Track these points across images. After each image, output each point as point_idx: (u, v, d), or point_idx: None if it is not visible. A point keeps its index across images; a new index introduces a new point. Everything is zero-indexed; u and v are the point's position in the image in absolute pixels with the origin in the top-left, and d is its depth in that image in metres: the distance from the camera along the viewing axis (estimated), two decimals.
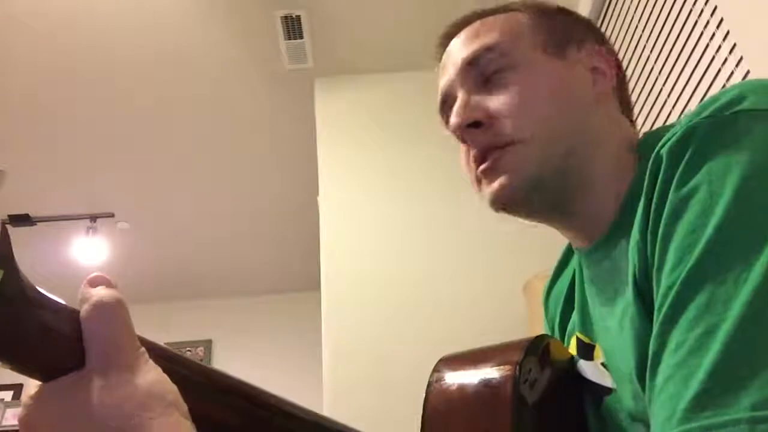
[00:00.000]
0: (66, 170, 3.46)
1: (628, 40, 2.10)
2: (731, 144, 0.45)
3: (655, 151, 0.49)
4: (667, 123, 1.87)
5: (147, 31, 2.73)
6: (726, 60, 1.55)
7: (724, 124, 0.47)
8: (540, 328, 0.83)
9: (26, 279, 0.35)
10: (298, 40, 2.75)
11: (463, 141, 0.65)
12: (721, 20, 1.57)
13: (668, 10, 1.84)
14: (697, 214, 0.44)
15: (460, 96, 0.65)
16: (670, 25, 1.83)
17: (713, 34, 1.61)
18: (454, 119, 0.63)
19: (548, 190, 0.62)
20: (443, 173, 2.62)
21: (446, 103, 0.69)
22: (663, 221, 0.47)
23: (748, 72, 1.46)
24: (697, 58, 1.68)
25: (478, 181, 0.65)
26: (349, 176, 2.70)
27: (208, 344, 4.60)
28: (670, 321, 0.43)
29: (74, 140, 3.27)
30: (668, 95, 1.85)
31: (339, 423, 0.55)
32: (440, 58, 0.71)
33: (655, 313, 0.46)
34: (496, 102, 0.63)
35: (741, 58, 1.49)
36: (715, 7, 1.59)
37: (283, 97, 3.07)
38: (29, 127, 3.15)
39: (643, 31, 2.01)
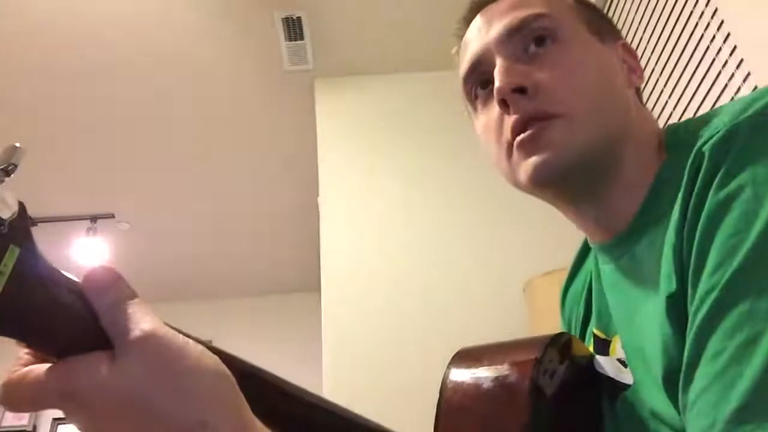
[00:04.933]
0: (66, 170, 3.46)
1: (629, 42, 2.11)
2: None
3: (696, 147, 0.48)
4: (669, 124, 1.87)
5: (148, 32, 2.73)
6: (726, 62, 1.55)
7: None
8: (540, 329, 0.83)
9: (43, 257, 0.35)
10: (299, 41, 2.75)
11: (504, 105, 0.60)
12: (722, 22, 1.57)
13: (669, 12, 1.84)
14: (740, 217, 0.43)
15: (500, 62, 0.61)
16: (671, 27, 1.83)
17: (714, 36, 1.61)
18: (499, 82, 0.59)
19: (588, 171, 0.59)
20: (443, 173, 2.62)
21: (477, 69, 0.65)
22: (702, 222, 0.45)
23: (748, 74, 1.46)
24: (698, 60, 1.68)
25: (509, 152, 0.61)
26: (349, 176, 2.70)
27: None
28: (708, 327, 0.42)
29: (75, 140, 3.27)
30: (669, 96, 1.85)
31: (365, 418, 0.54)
32: (466, 27, 0.68)
33: (691, 316, 0.44)
34: (544, 74, 0.60)
35: (742, 60, 1.49)
36: (716, 9, 1.59)
37: (283, 97, 3.07)
38: (29, 128, 3.15)
39: (644, 33, 2.01)
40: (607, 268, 0.65)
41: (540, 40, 0.61)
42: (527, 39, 0.62)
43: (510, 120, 0.60)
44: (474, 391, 0.55)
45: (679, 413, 0.48)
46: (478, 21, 0.66)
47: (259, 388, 0.45)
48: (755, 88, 1.45)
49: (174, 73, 2.94)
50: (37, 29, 2.67)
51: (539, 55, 0.61)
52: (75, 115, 3.12)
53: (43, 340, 0.35)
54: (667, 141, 0.60)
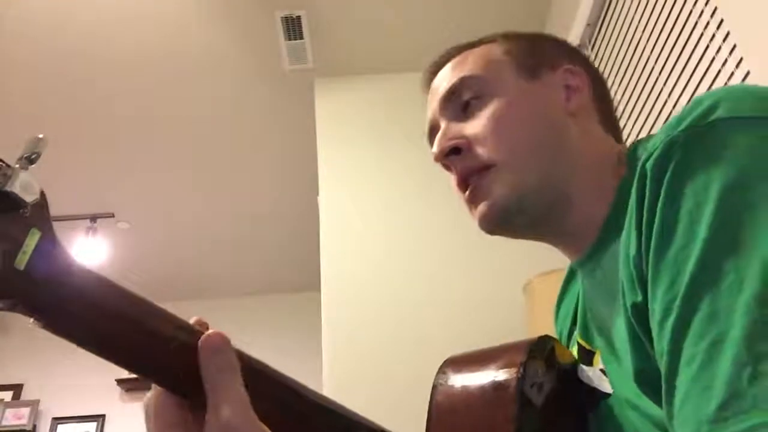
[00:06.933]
0: (66, 170, 3.46)
1: (628, 42, 2.10)
2: (711, 154, 0.46)
3: (640, 164, 0.50)
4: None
5: (147, 31, 2.73)
6: (726, 61, 1.55)
7: (703, 134, 0.47)
8: (540, 329, 0.83)
9: (60, 243, 0.38)
10: (299, 41, 2.75)
11: (447, 168, 0.69)
12: (722, 21, 1.57)
13: (668, 12, 1.84)
14: (686, 228, 0.45)
15: (442, 126, 0.70)
16: (671, 27, 1.83)
17: (713, 35, 1.61)
18: (435, 149, 0.68)
19: (528, 212, 0.65)
20: (443, 173, 2.62)
21: (432, 133, 0.73)
22: (654, 237, 0.48)
23: (748, 73, 1.46)
24: (698, 59, 1.68)
25: (468, 206, 0.69)
26: (349, 176, 2.70)
27: None
28: (678, 338, 0.44)
29: (74, 140, 3.27)
30: (668, 96, 1.85)
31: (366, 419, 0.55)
32: (427, 92, 0.76)
33: (657, 328, 0.47)
34: (472, 127, 0.67)
35: (741, 59, 1.49)
36: (716, 8, 1.60)
37: (283, 97, 3.07)
38: (28, 127, 3.15)
39: (643, 32, 2.01)
40: (585, 283, 0.69)
41: (471, 98, 0.69)
42: (459, 100, 0.70)
43: (455, 178, 0.68)
44: (463, 394, 0.56)
45: (654, 405, 0.51)
46: (432, 85, 0.75)
47: (265, 383, 0.46)
48: None
49: (174, 72, 2.94)
50: (37, 30, 2.67)
51: (471, 110, 0.69)
52: (75, 115, 3.12)
53: (59, 326, 0.37)
54: (627, 156, 0.64)
